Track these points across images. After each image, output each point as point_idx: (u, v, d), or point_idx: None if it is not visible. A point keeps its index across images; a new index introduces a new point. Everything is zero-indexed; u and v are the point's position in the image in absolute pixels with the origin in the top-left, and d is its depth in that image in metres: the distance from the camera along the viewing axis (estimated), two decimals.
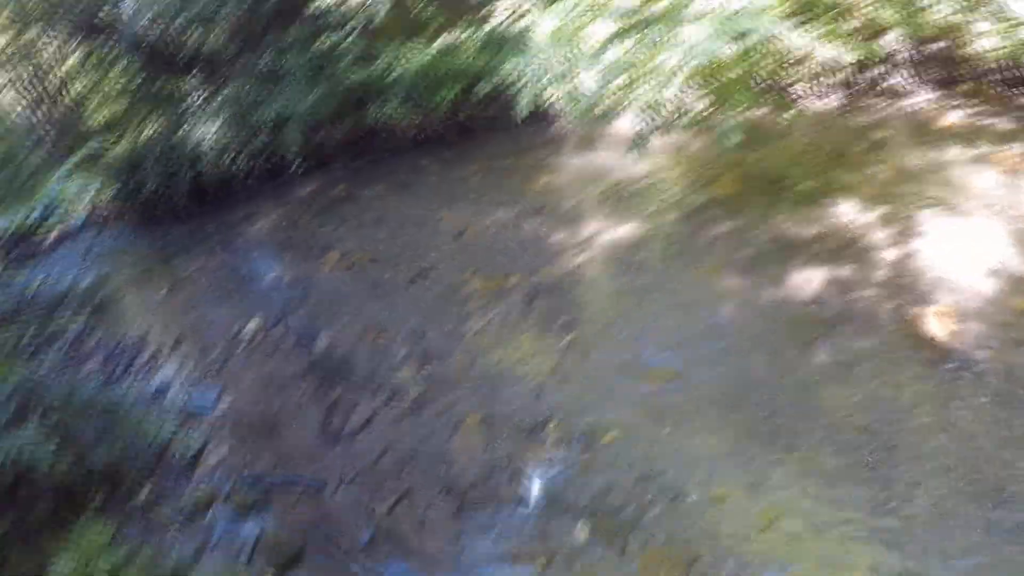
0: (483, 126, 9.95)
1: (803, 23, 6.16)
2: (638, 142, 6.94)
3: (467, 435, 5.39)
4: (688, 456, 4.62)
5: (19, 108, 11.13)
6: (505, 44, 8.56)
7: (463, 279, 7.09)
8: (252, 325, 7.47)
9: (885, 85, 8.16)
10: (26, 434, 4.95)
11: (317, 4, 9.59)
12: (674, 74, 5.74)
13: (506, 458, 5.07)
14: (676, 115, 7.03)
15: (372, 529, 4.91)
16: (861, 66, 7.91)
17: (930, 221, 5.93)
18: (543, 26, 6.76)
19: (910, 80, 8.07)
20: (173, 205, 10.60)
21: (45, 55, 11.10)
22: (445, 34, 9.46)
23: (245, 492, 5.42)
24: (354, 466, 5.44)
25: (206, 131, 10.23)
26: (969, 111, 7.25)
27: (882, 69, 8.07)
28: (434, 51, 9.11)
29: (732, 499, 4.28)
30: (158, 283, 9.18)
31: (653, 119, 6.89)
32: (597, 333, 5.99)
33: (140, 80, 11.16)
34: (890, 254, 5.80)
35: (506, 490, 4.85)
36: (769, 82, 8.01)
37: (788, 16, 5.95)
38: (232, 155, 10.41)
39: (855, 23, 7.03)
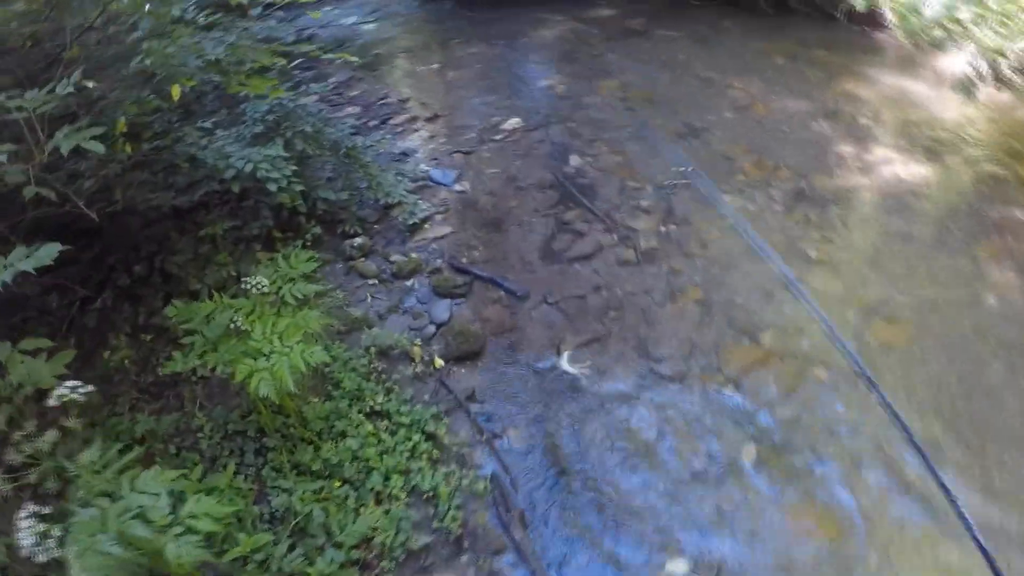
0: (804, 8, 8.81)
1: None
2: (965, 86, 5.85)
3: (680, 307, 4.95)
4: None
5: None
6: None
7: (733, 153, 6.38)
8: (512, 123, 7.20)
9: None
10: (268, 152, 5.07)
11: None
12: None
13: (711, 347, 4.62)
14: (1018, 71, 5.82)
15: (554, 358, 4.74)
16: None
17: None
18: None
19: None
20: None
21: None
22: None
23: (450, 275, 5.36)
24: (561, 291, 5.18)
25: None
26: None
27: None
28: None
29: None
30: (432, 57, 9.13)
31: (990, 68, 5.76)
32: (845, 263, 5.17)
33: None
34: None
35: (697, 377, 4.46)
36: None
37: None
38: None
39: None
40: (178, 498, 2.92)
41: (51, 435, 3.04)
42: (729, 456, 4.01)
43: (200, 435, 4.20)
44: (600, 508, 3.86)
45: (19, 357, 3.37)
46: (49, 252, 2.94)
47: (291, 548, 3.56)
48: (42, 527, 2.71)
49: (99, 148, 3.03)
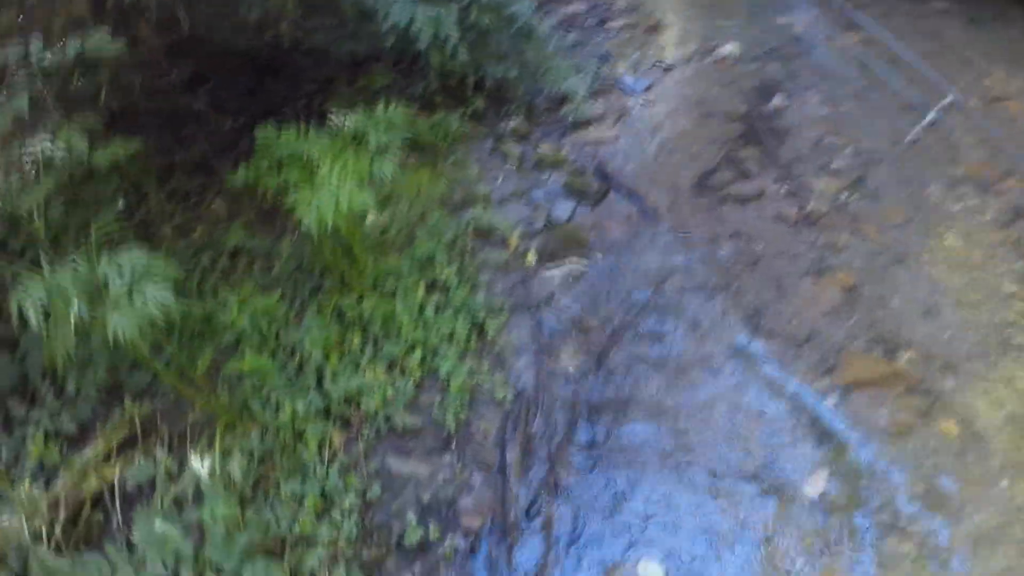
0: None
1: None
2: None
3: (821, 288, 4.07)
4: None
5: None
6: None
7: (960, 143, 5.14)
8: (728, 48, 6.26)
9: None
10: (432, 12, 4.68)
11: None
12: None
13: (833, 344, 3.71)
14: None
15: (649, 292, 4.15)
16: None
17: None
18: None
19: None
20: None
21: None
22: None
23: (590, 178, 4.87)
24: (697, 226, 4.49)
25: None
26: None
27: None
28: None
29: None
30: None
31: None
32: None
33: None
34: None
35: (800, 371, 3.62)
36: None
37: None
38: None
39: None
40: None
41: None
42: (791, 475, 3.23)
43: (277, 262, 4.17)
44: (610, 477, 3.32)
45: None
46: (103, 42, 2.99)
47: (285, 383, 3.45)
48: None
49: None
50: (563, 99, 5.55)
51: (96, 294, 2.77)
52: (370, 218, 3.95)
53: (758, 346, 3.78)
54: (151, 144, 3.99)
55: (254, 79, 5.17)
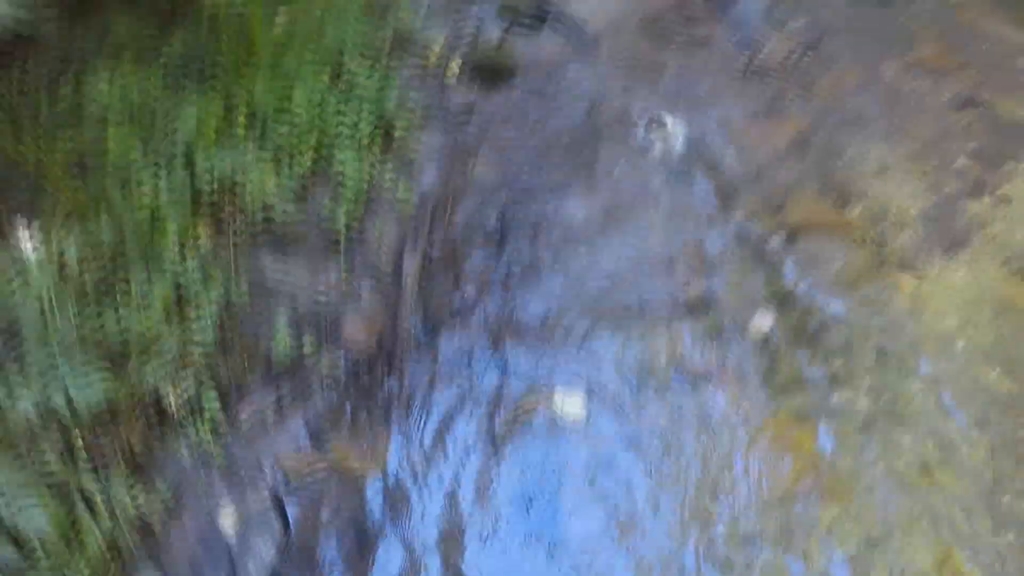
0: None
1: None
2: None
3: (772, 129, 3.58)
4: None
5: None
6: None
7: (917, 32, 4.81)
8: None
9: None
10: None
11: None
12: None
13: (783, 185, 3.28)
14: None
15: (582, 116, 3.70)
16: None
17: None
18: None
19: None
20: None
21: None
22: None
23: (528, 6, 4.31)
24: (641, 64, 4.02)
25: None
26: None
27: None
28: None
29: None
30: None
31: None
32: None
33: None
34: None
35: (745, 208, 3.24)
36: None
37: None
38: None
39: None
40: None
41: None
42: (738, 314, 2.88)
43: (167, 50, 3.42)
44: (522, 297, 2.88)
45: None
46: None
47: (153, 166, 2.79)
48: None
49: None
50: None
51: None
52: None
53: (699, 182, 3.37)
54: None
55: None
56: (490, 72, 3.75)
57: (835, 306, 2.92)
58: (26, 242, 2.53)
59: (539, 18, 4.24)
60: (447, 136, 3.39)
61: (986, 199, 3.58)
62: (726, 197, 3.30)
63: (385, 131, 3.20)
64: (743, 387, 2.64)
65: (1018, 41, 5.13)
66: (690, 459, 2.48)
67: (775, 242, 3.11)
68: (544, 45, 4.07)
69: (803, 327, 2.82)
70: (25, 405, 2.23)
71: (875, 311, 2.91)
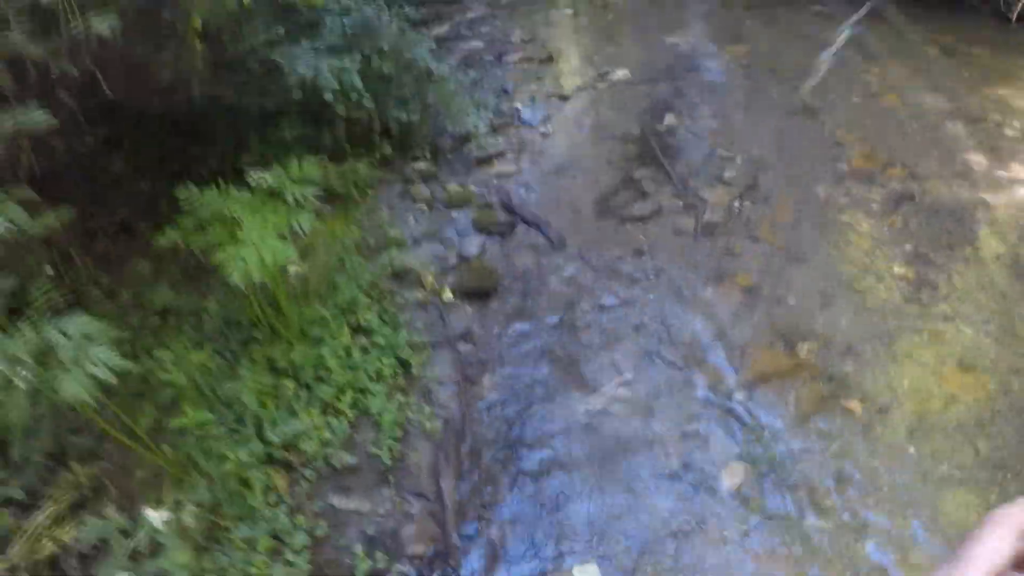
0: (977, 2, 7.47)
1: None
2: None
3: (723, 292, 4.28)
4: None
5: None
6: None
7: (845, 139, 5.52)
8: (620, 74, 6.58)
9: None
10: (336, 63, 4.80)
11: None
12: None
13: (738, 342, 3.98)
14: None
15: (560, 316, 4.43)
16: None
17: None
18: None
19: None
20: None
21: None
22: None
23: (497, 212, 5.04)
24: (601, 249, 4.72)
25: None
26: None
27: None
28: None
29: None
30: (571, 2, 8.55)
31: None
32: (935, 285, 4.23)
33: None
34: None
35: (710, 371, 3.86)
36: None
37: None
38: None
39: None
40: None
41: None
42: (708, 471, 3.45)
43: (205, 316, 4.25)
44: (538, 490, 3.49)
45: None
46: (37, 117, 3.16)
47: (226, 434, 3.53)
48: None
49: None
50: (466, 137, 5.75)
51: (42, 360, 2.82)
52: (292, 269, 4.05)
53: (667, 353, 4.02)
54: (74, 208, 4.02)
55: (169, 140, 5.22)
56: (477, 291, 4.48)
57: (794, 443, 3.51)
58: (153, 515, 3.24)
59: (508, 224, 4.99)
60: (454, 361, 4.08)
61: (925, 300, 4.17)
62: (694, 365, 3.94)
63: (404, 368, 3.93)
64: (723, 539, 3.21)
65: (938, 107, 5.86)
66: None
67: (737, 399, 3.73)
68: (517, 252, 4.81)
69: (769, 470, 3.42)
70: None
71: (830, 439, 3.51)
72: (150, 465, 3.57)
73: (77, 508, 3.56)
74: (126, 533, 3.36)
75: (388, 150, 5.47)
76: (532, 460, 3.63)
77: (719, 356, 3.97)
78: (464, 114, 5.68)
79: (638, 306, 4.33)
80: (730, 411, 3.67)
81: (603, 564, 3.16)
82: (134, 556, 3.26)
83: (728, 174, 5.28)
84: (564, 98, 6.42)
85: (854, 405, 3.66)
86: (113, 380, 2.88)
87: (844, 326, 4.07)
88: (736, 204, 5.00)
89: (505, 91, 6.57)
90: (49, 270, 3.95)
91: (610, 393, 3.84)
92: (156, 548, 3.24)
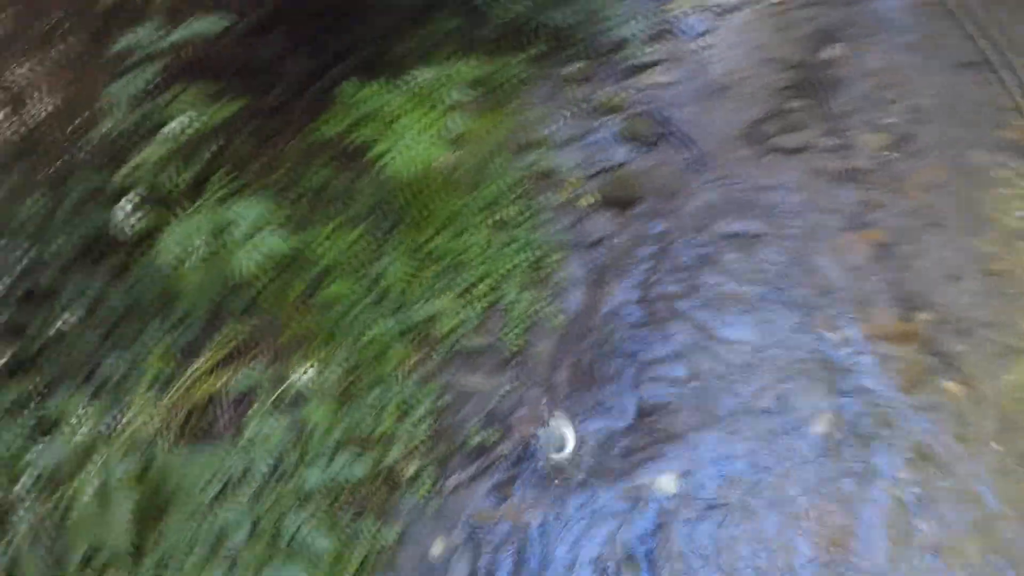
0: None
1: None
2: None
3: (852, 242, 4.28)
4: None
5: None
6: None
7: (1013, 105, 5.21)
8: None
9: None
10: None
11: None
12: None
13: (854, 298, 4.02)
14: None
15: (692, 235, 4.57)
16: None
17: None
18: None
19: None
20: None
21: None
22: None
23: (646, 123, 5.15)
24: (741, 176, 4.79)
25: None
26: None
27: None
28: None
29: None
30: None
31: None
32: None
33: None
34: None
35: (818, 318, 3.95)
36: None
37: None
38: None
39: None
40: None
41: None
42: (799, 415, 3.56)
43: (356, 199, 4.66)
44: (647, 402, 3.75)
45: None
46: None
47: (369, 307, 4.00)
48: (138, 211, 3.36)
49: None
50: (622, 43, 5.76)
51: (218, 235, 3.32)
52: (440, 159, 4.39)
53: (788, 291, 4.09)
54: (232, 89, 4.42)
55: (324, 26, 5.48)
56: (618, 200, 4.58)
57: (887, 408, 3.53)
58: (301, 372, 3.80)
59: (655, 137, 5.09)
60: (586, 264, 4.26)
61: None
62: (811, 308, 3.99)
63: (538, 264, 4.19)
64: (799, 473, 3.39)
65: None
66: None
67: (844, 351, 3.76)
68: (662, 166, 4.84)
69: (855, 428, 3.49)
70: (321, 478, 3.46)
71: (921, 412, 3.52)
72: (298, 329, 4.03)
73: (231, 360, 4.12)
74: (272, 385, 3.91)
75: (542, 49, 5.56)
76: (640, 371, 3.84)
77: (836, 306, 3.95)
78: (622, 20, 5.69)
79: (769, 239, 4.35)
80: (834, 361, 3.71)
81: (682, 480, 3.41)
82: (278, 404, 3.79)
83: (885, 120, 5.08)
84: (726, 12, 6.17)
85: (953, 387, 3.58)
86: (278, 259, 3.38)
87: (966, 304, 3.93)
88: (887, 154, 4.92)
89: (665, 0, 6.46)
90: (213, 147, 4.38)
91: (728, 320, 4.01)
92: (298, 400, 3.75)
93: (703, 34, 5.96)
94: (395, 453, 3.56)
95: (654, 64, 5.61)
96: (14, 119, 5.94)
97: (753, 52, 5.82)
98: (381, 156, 3.72)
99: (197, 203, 3.50)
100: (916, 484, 3.28)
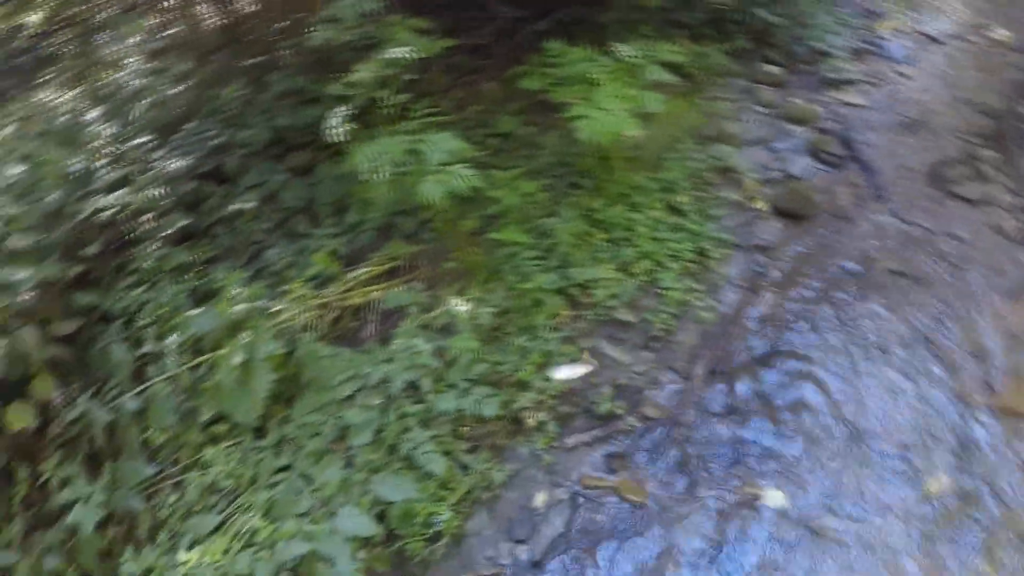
0: None
1: None
2: None
3: (1014, 311, 4.11)
4: None
5: None
6: None
7: None
8: (1000, 33, 6.01)
9: None
10: None
11: None
12: None
13: (1007, 368, 3.85)
14: None
15: (860, 263, 4.52)
16: None
17: None
18: None
19: None
20: None
21: None
22: None
23: (832, 141, 5.02)
24: (917, 215, 4.65)
25: None
26: None
27: None
28: None
29: None
30: None
31: None
32: None
33: None
34: None
35: (963, 384, 3.79)
36: None
37: None
38: None
39: None
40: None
41: None
42: (918, 471, 3.48)
43: (541, 152, 4.79)
44: (759, 423, 3.74)
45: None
46: None
47: (537, 258, 4.13)
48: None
49: None
50: (822, 54, 5.62)
51: (409, 158, 3.49)
52: (633, 134, 4.46)
53: (935, 343, 3.98)
54: (437, 23, 4.59)
55: None
56: (791, 212, 4.51)
57: (1006, 486, 3.41)
58: (456, 303, 3.98)
59: (838, 158, 4.93)
60: (747, 268, 4.25)
61: None
62: (953, 368, 3.85)
63: (701, 257, 4.18)
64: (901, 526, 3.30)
65: None
66: None
67: (976, 418, 3.65)
68: (840, 187, 4.73)
69: (974, 498, 3.37)
70: (451, 405, 3.64)
71: None
72: (462, 262, 4.20)
73: (389, 276, 4.32)
74: (424, 307, 4.09)
75: (742, 44, 5.49)
76: (776, 387, 3.83)
77: (982, 372, 3.83)
78: (826, 30, 5.57)
79: (930, 285, 4.23)
80: (966, 429, 3.61)
81: (790, 498, 3.40)
82: (425, 327, 3.97)
83: None
84: (932, 40, 5.87)
85: None
86: (464, 192, 3.55)
87: None
88: None
89: (872, 16, 6.20)
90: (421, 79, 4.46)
91: (870, 357, 3.91)
92: (447, 329, 3.91)
93: (905, 61, 5.75)
94: (524, 400, 3.67)
95: (850, 82, 5.47)
96: (223, 9, 6.32)
97: (953, 90, 5.58)
98: (576, 119, 3.81)
99: (397, 125, 3.69)
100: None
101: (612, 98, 3.85)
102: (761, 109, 5.14)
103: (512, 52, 5.07)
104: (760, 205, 4.55)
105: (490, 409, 3.60)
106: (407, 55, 3.68)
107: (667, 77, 3.99)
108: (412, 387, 3.70)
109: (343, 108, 3.65)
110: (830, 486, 3.42)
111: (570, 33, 5.44)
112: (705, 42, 5.32)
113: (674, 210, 4.35)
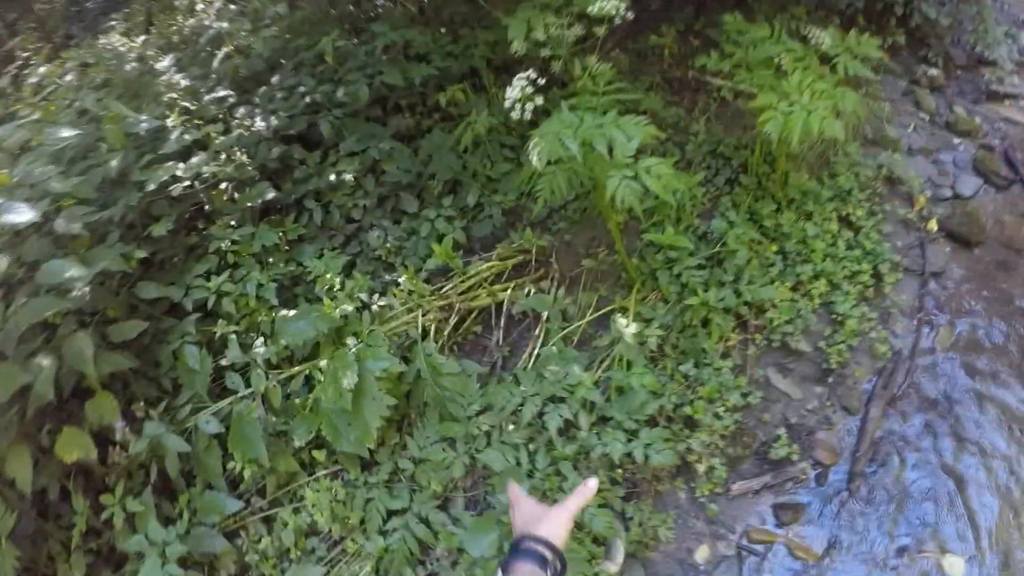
0: None
1: None
2: None
3: None
4: None
5: None
6: None
7: None
8: None
9: None
10: None
11: None
12: None
13: None
14: None
15: None
16: None
17: None
18: None
19: None
20: None
21: None
22: None
23: (998, 161, 4.48)
24: None
25: None
26: None
27: None
28: None
29: None
30: None
31: None
32: None
33: None
34: None
35: None
36: None
37: None
38: None
39: None
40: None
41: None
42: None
43: (691, 139, 4.23)
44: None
45: None
46: None
47: (700, 267, 3.60)
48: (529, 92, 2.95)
49: None
50: (981, 62, 5.15)
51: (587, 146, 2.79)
52: (831, 135, 3.92)
53: None
54: None
55: None
56: (960, 234, 4.06)
57: None
58: (623, 322, 3.43)
59: (1004, 180, 4.48)
60: (921, 296, 3.79)
61: None
62: None
63: (878, 280, 3.71)
64: None
65: None
66: None
67: None
68: (1008, 212, 4.27)
69: None
70: (619, 450, 3.05)
71: None
72: (602, 262, 3.68)
73: (516, 272, 3.79)
74: (563, 315, 3.55)
75: (900, 40, 4.99)
76: (953, 439, 3.42)
77: None
78: (993, 37, 5.09)
79: None
80: None
81: (970, 566, 3.02)
82: (567, 340, 3.45)
83: None
84: None
85: None
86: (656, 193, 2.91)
87: None
88: None
89: None
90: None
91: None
92: (595, 345, 3.41)
93: None
94: (693, 442, 3.18)
95: (1013, 97, 4.98)
96: None
97: None
98: (765, 111, 3.26)
99: (579, 99, 3.11)
100: None
101: (805, 91, 3.28)
102: (923, 115, 4.62)
103: (646, 19, 4.53)
104: (932, 226, 4.05)
105: (664, 458, 2.99)
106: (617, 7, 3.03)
107: (867, 73, 3.43)
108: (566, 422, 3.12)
109: (528, 73, 3.03)
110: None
111: (704, 4, 4.94)
112: (860, 34, 4.77)
113: (848, 223, 3.84)
